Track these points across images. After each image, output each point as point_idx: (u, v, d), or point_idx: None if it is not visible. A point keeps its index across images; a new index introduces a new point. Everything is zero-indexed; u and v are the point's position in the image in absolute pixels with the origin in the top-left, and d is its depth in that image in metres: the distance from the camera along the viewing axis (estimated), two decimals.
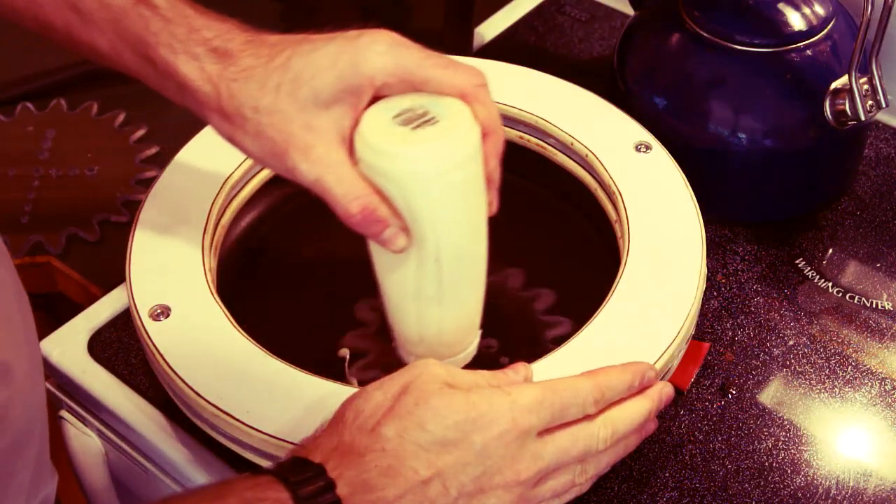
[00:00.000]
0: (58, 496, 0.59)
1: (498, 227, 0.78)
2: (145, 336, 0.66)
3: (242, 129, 0.59)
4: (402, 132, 0.56)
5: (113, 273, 0.82)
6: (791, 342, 0.76)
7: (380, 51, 0.57)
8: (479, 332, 0.66)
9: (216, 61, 0.60)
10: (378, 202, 0.57)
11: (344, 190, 0.57)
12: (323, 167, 0.58)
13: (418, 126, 0.56)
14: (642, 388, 0.62)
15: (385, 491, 0.53)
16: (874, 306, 0.78)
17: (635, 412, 0.61)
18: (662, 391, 0.62)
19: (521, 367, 0.62)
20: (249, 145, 0.60)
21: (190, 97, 0.61)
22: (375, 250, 0.61)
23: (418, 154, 0.56)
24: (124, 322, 0.76)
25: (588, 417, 0.59)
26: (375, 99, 0.59)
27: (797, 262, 0.81)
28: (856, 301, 0.78)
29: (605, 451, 0.60)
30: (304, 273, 0.76)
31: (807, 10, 0.80)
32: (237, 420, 0.62)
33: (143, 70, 0.62)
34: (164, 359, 0.65)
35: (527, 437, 0.56)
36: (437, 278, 0.59)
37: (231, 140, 0.61)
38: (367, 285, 0.75)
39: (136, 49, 0.61)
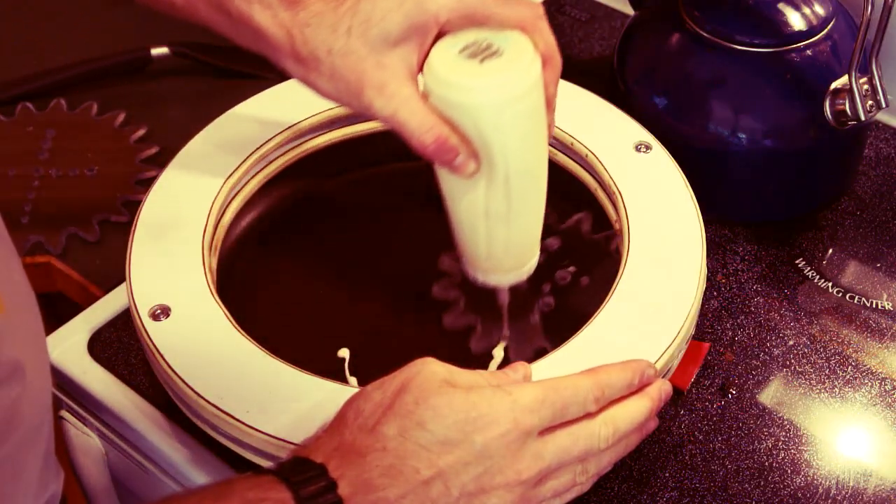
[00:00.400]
0: (63, 494, 0.59)
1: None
2: (145, 336, 0.66)
3: (317, 70, 0.62)
4: (470, 65, 0.60)
5: (113, 273, 0.82)
6: (791, 342, 0.76)
7: None
8: (538, 248, 0.70)
9: (287, 8, 0.62)
10: (449, 132, 0.61)
11: (418, 122, 0.61)
12: (397, 102, 0.61)
13: (485, 59, 0.60)
14: (642, 386, 0.62)
15: (387, 491, 0.53)
16: (874, 306, 0.78)
17: (636, 411, 0.61)
18: (661, 389, 0.63)
19: (519, 367, 0.62)
20: (324, 85, 0.63)
21: (265, 44, 0.64)
22: (445, 176, 0.65)
23: (487, 85, 0.59)
24: (124, 322, 0.76)
25: (589, 415, 0.59)
26: (441, 35, 0.62)
27: (797, 262, 0.81)
28: (856, 301, 0.78)
29: (607, 451, 0.60)
30: (304, 273, 0.76)
31: (807, 10, 0.80)
32: (237, 420, 0.62)
33: (217, 19, 0.65)
34: (163, 359, 0.65)
35: (528, 436, 0.56)
36: (507, 197, 0.63)
37: (306, 82, 0.64)
38: (366, 285, 0.76)
39: (210, 0, 0.65)
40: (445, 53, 0.61)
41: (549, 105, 0.64)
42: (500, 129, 0.61)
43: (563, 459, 0.58)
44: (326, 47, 0.61)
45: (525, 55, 0.60)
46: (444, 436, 0.55)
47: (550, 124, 0.65)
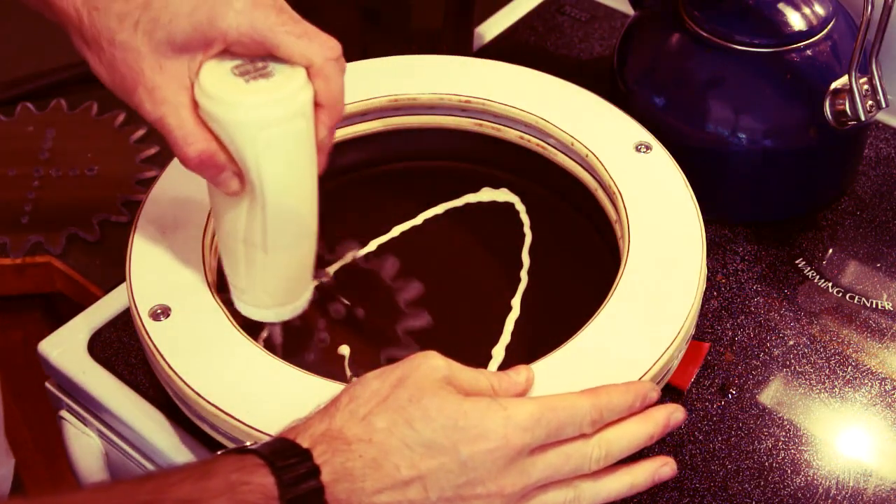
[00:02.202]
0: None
1: (498, 227, 0.78)
2: (145, 336, 0.66)
3: (98, 56, 0.61)
4: (236, 82, 0.59)
5: (113, 273, 0.82)
6: (791, 342, 0.76)
7: (238, 9, 0.58)
8: (310, 289, 0.68)
9: None
10: (215, 148, 0.59)
11: (184, 134, 0.59)
12: (166, 109, 0.59)
13: (252, 78, 0.59)
14: (644, 407, 0.60)
15: (365, 483, 0.53)
16: (874, 306, 0.78)
17: (633, 435, 0.59)
18: (672, 415, 0.61)
19: (522, 369, 0.61)
20: (102, 74, 0.61)
21: (59, 17, 0.62)
22: (212, 192, 0.64)
23: (243, 104, 0.58)
24: (124, 322, 0.76)
25: (584, 436, 0.58)
26: (226, 53, 0.61)
27: (797, 262, 0.81)
28: (856, 301, 0.78)
29: (604, 481, 0.59)
30: None
31: (807, 10, 0.80)
32: (237, 420, 0.62)
33: None
34: (164, 359, 0.65)
35: (518, 454, 0.55)
36: (263, 226, 0.62)
37: (87, 62, 0.62)
38: (367, 286, 0.76)
39: None
40: (216, 67, 0.59)
41: (321, 148, 0.62)
42: (254, 152, 0.59)
43: (551, 477, 0.57)
44: (110, 36, 0.59)
45: (293, 82, 0.59)
46: (430, 439, 0.54)
47: (320, 164, 0.63)
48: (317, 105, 0.60)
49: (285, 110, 0.59)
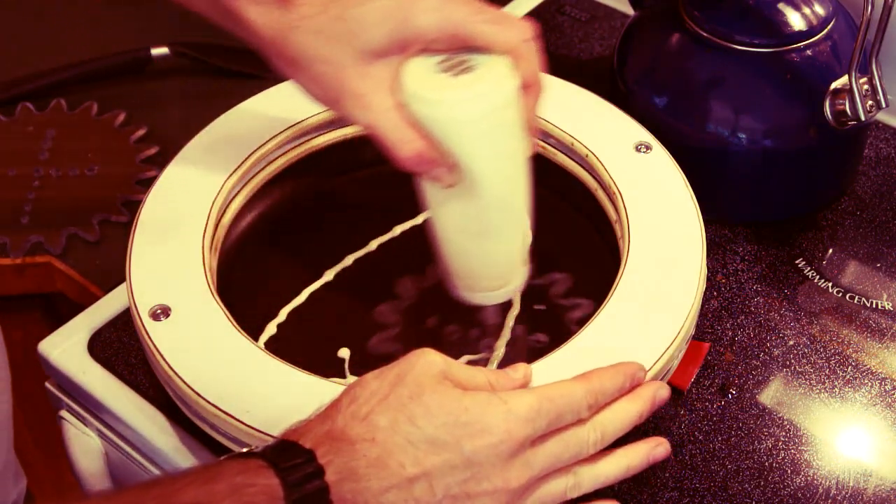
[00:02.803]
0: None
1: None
2: (145, 336, 0.66)
3: (301, 73, 0.63)
4: (442, 79, 0.60)
5: (113, 273, 0.82)
6: (791, 342, 0.76)
7: (430, 7, 0.60)
8: (525, 270, 0.69)
9: (278, 7, 0.62)
10: (426, 146, 0.61)
11: (396, 136, 0.61)
12: (375, 114, 0.61)
13: (458, 73, 0.60)
14: (633, 387, 0.61)
15: (370, 482, 0.53)
16: (874, 306, 0.78)
17: (625, 415, 0.60)
18: (657, 393, 0.62)
19: (520, 367, 0.61)
20: (309, 89, 0.64)
21: (254, 40, 0.64)
22: (427, 187, 0.64)
23: (454, 100, 0.59)
24: (124, 322, 0.76)
25: (580, 421, 0.58)
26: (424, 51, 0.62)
27: (797, 262, 0.81)
28: (856, 301, 0.78)
29: (601, 466, 0.59)
30: (304, 273, 0.76)
31: (807, 10, 0.80)
32: (237, 420, 0.62)
33: (210, 12, 0.66)
34: (164, 359, 0.65)
35: (521, 447, 0.56)
36: (480, 214, 0.63)
37: (293, 79, 0.65)
38: (367, 285, 0.76)
39: None
40: (419, 66, 0.60)
41: (529, 128, 0.63)
42: (467, 145, 0.60)
43: (553, 466, 0.57)
44: (311, 53, 0.62)
45: (499, 73, 0.59)
46: (433, 435, 0.54)
47: (530, 146, 0.64)
48: (522, 86, 0.61)
49: (495, 101, 0.59)
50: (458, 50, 0.60)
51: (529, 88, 0.61)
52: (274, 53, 0.63)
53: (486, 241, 0.65)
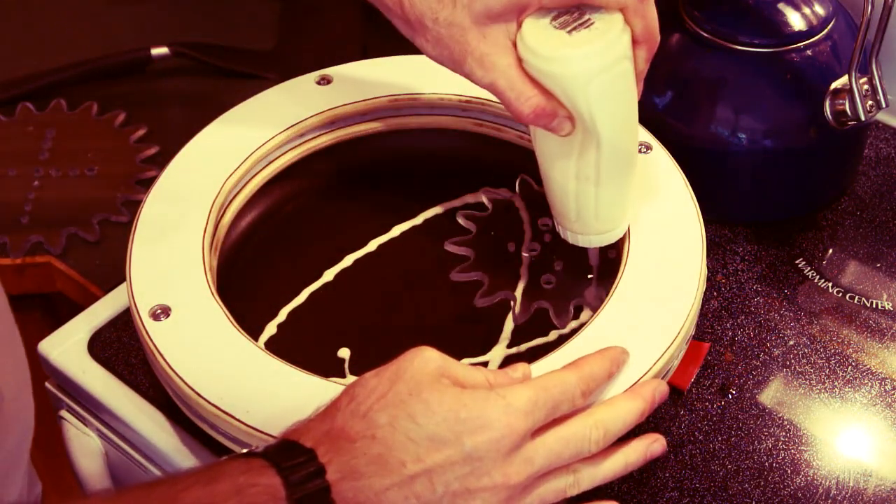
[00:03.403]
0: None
1: (497, 228, 0.78)
2: (145, 336, 0.66)
3: (423, 36, 0.65)
4: (559, 35, 0.62)
5: (113, 273, 0.82)
6: (791, 342, 0.76)
7: None
8: (630, 212, 0.71)
9: None
10: (545, 100, 0.63)
11: (515, 93, 0.64)
12: (496, 73, 0.64)
13: (573, 29, 0.62)
14: (618, 369, 0.62)
15: (372, 480, 0.53)
16: (874, 306, 0.78)
17: (626, 413, 0.60)
18: (657, 390, 0.62)
19: (520, 367, 0.61)
20: (430, 51, 0.66)
21: (379, 6, 0.67)
22: (541, 137, 0.68)
23: (573, 56, 0.62)
24: (124, 322, 0.76)
25: (578, 413, 0.59)
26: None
27: (797, 262, 0.81)
28: (856, 301, 0.78)
29: (601, 464, 0.60)
30: (304, 273, 0.76)
31: (807, 10, 0.80)
32: (237, 420, 0.62)
33: None
34: (164, 359, 0.65)
35: (522, 440, 0.56)
36: (597, 162, 0.66)
37: (413, 42, 0.67)
38: (368, 285, 0.76)
39: None
40: (536, 24, 0.63)
41: (639, 80, 0.66)
42: (586, 99, 0.63)
43: (554, 463, 0.57)
44: (433, 15, 0.64)
45: (613, 29, 0.62)
46: (434, 432, 0.54)
47: (639, 92, 0.67)
48: (634, 42, 0.64)
49: (611, 57, 0.63)
50: (573, 7, 0.63)
51: (642, 43, 0.64)
52: (395, 15, 0.66)
53: (600, 186, 0.67)
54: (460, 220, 0.77)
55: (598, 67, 0.62)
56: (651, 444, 0.62)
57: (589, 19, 0.63)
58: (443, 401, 0.55)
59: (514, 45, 0.64)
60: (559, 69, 0.62)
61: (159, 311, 0.67)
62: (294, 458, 0.53)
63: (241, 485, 0.51)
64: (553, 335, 0.72)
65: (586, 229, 0.71)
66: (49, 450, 1.03)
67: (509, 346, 0.72)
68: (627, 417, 0.60)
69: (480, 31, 0.64)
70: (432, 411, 0.55)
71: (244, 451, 0.55)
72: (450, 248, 0.76)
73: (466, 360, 0.71)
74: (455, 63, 0.65)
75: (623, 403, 0.61)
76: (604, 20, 0.63)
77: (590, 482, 0.60)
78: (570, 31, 0.62)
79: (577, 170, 0.67)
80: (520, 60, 0.64)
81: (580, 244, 0.72)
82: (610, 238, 0.71)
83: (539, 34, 0.63)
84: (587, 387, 0.59)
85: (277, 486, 0.52)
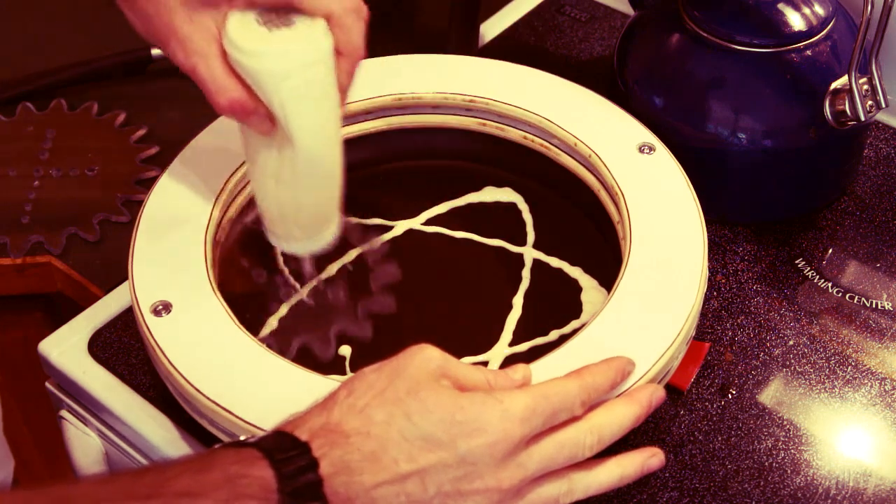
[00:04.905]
0: None
1: (499, 228, 0.78)
2: (146, 332, 0.66)
3: (133, 11, 0.65)
4: (260, 31, 0.63)
5: (113, 273, 0.82)
6: (791, 342, 0.76)
7: None
8: (336, 222, 0.71)
9: None
10: (244, 96, 0.63)
11: (215, 83, 0.63)
12: (197, 59, 0.63)
13: (275, 27, 0.63)
14: (623, 380, 0.61)
15: (363, 476, 0.53)
16: (874, 306, 0.78)
17: (621, 418, 0.60)
18: (653, 395, 0.62)
19: (520, 368, 0.61)
20: (136, 25, 0.66)
21: None
22: (244, 132, 0.68)
23: (267, 52, 0.62)
24: (124, 322, 0.76)
25: (575, 419, 0.58)
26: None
27: (797, 262, 0.81)
28: (856, 301, 0.78)
29: (595, 473, 0.59)
30: (305, 270, 0.76)
31: (807, 10, 0.80)
32: (236, 416, 0.62)
33: None
34: (164, 354, 0.65)
35: (516, 447, 0.56)
36: (292, 164, 0.66)
37: (126, 15, 0.66)
38: (369, 284, 0.76)
39: None
40: (242, 18, 0.63)
41: (342, 92, 0.65)
42: (279, 97, 0.63)
43: (547, 468, 0.57)
44: None
45: (313, 33, 0.62)
46: (429, 432, 0.54)
47: (341, 107, 0.66)
48: (337, 52, 0.64)
49: (306, 58, 0.62)
50: (281, 7, 0.63)
51: (344, 55, 0.64)
52: None
53: (296, 189, 0.67)
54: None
55: (291, 67, 0.62)
56: (649, 459, 0.61)
57: (292, 20, 0.63)
58: (440, 401, 0.55)
59: (220, 36, 0.64)
60: (254, 64, 0.62)
61: (160, 307, 0.67)
62: (288, 450, 0.53)
63: (232, 475, 0.51)
64: (554, 335, 0.72)
65: (286, 234, 0.71)
66: (49, 450, 1.03)
67: (510, 346, 0.72)
68: (623, 422, 0.60)
69: (187, 14, 0.63)
70: (429, 411, 0.55)
71: (239, 438, 0.55)
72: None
73: (466, 359, 0.71)
74: (160, 42, 0.64)
75: (619, 408, 0.60)
76: (306, 24, 0.63)
77: (584, 491, 0.59)
78: (270, 29, 0.62)
79: (276, 171, 0.67)
80: (224, 52, 0.63)
81: (284, 249, 0.72)
82: (310, 247, 0.71)
83: (241, 28, 0.63)
84: (588, 397, 0.59)
85: (269, 477, 0.51)
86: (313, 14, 0.63)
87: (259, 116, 0.64)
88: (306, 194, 0.68)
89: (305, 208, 0.69)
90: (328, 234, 0.71)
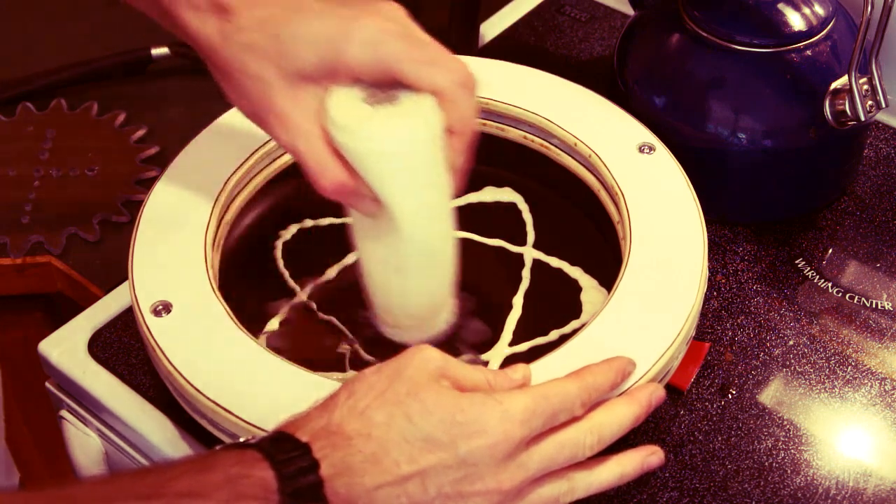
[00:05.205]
0: None
1: (499, 228, 0.78)
2: (146, 332, 0.66)
3: (230, 85, 0.62)
4: (363, 110, 0.59)
5: (113, 273, 0.82)
6: (791, 342, 0.76)
7: (364, 40, 0.58)
8: (449, 310, 0.68)
9: (215, 14, 0.61)
10: (348, 177, 0.60)
11: (316, 163, 0.60)
12: (298, 138, 0.60)
13: (380, 104, 0.59)
14: (623, 380, 0.61)
15: (365, 478, 0.53)
16: (874, 306, 0.78)
17: (621, 418, 0.60)
18: (653, 394, 0.62)
19: (520, 368, 0.61)
20: (236, 102, 0.63)
21: (192, 43, 0.63)
22: (353, 215, 0.64)
23: (372, 134, 0.58)
24: (125, 322, 0.77)
25: (575, 419, 0.59)
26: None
27: (797, 262, 0.81)
28: (856, 301, 0.78)
29: (595, 472, 0.59)
30: (306, 270, 0.76)
31: (807, 10, 0.80)
32: (236, 416, 0.62)
33: (152, 12, 0.65)
34: (164, 354, 0.65)
35: (517, 448, 0.56)
36: (398, 250, 0.62)
37: (222, 89, 0.64)
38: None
39: None
40: (345, 95, 0.59)
41: (453, 170, 0.61)
42: (383, 179, 0.59)
43: (548, 468, 0.57)
44: (241, 66, 0.61)
45: (421, 111, 0.58)
46: (429, 433, 0.54)
47: (454, 187, 0.62)
48: (448, 130, 0.60)
49: (414, 139, 0.58)
50: (386, 83, 0.59)
51: (455, 133, 0.60)
52: (207, 58, 0.63)
53: (405, 277, 0.63)
54: None
55: (394, 149, 0.58)
56: (648, 457, 0.61)
57: (397, 97, 0.59)
58: (440, 403, 0.55)
59: (320, 112, 0.60)
60: (356, 144, 0.58)
61: (160, 307, 0.67)
62: (288, 451, 0.53)
63: (233, 476, 0.51)
64: (554, 335, 0.72)
65: (397, 322, 0.67)
66: (49, 450, 1.03)
67: (510, 346, 0.72)
68: (623, 422, 0.60)
69: (287, 91, 0.60)
70: (429, 412, 0.55)
71: (240, 440, 0.55)
72: None
73: (465, 357, 0.71)
74: (258, 118, 0.62)
75: (619, 408, 0.60)
76: (413, 100, 0.58)
77: (585, 490, 0.59)
78: (374, 106, 0.59)
79: (382, 255, 0.63)
80: (326, 130, 0.60)
81: (393, 338, 0.68)
82: (419, 335, 0.67)
83: (344, 106, 0.59)
84: (588, 398, 0.59)
85: (270, 478, 0.51)
86: (420, 89, 0.59)
87: (364, 198, 0.60)
88: (415, 282, 0.64)
89: (414, 296, 0.65)
90: (440, 322, 0.67)
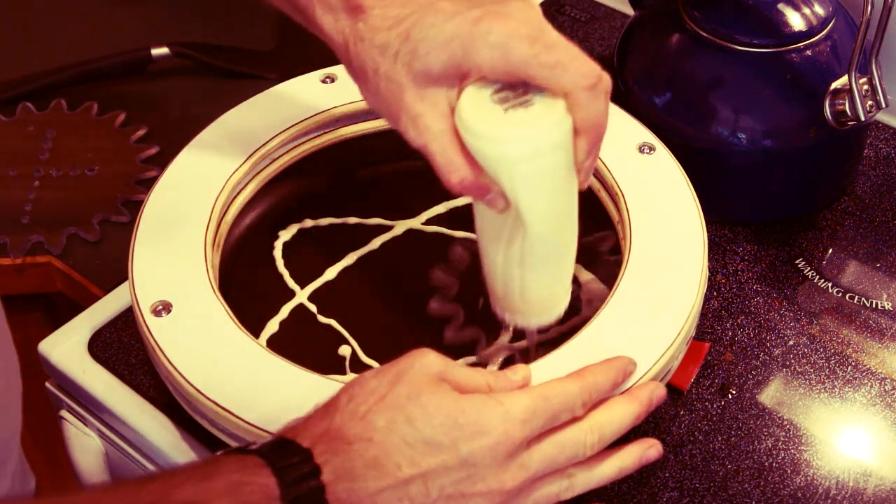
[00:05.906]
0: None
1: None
2: (146, 332, 0.66)
3: (364, 84, 0.63)
4: (494, 112, 0.59)
5: (113, 273, 0.82)
6: (791, 342, 0.76)
7: (491, 42, 0.58)
8: (565, 301, 0.68)
9: (348, 15, 0.62)
10: (475, 174, 0.60)
11: (445, 161, 0.60)
12: (428, 136, 0.60)
13: (511, 107, 0.59)
14: (624, 380, 0.61)
15: (367, 482, 0.53)
16: (874, 306, 0.78)
17: (622, 416, 0.60)
18: (654, 393, 0.62)
19: (520, 369, 0.61)
20: (369, 100, 0.64)
21: (328, 43, 0.64)
22: (477, 208, 0.64)
23: (501, 137, 0.58)
24: (125, 322, 0.76)
25: (576, 419, 0.59)
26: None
27: (797, 262, 0.81)
28: (856, 301, 0.78)
29: (594, 468, 0.60)
30: (306, 270, 0.76)
31: (807, 10, 0.80)
32: (236, 416, 0.62)
33: (287, 9, 0.66)
34: (164, 355, 0.65)
35: (518, 448, 0.56)
36: (522, 245, 0.63)
37: (357, 85, 0.64)
38: (369, 283, 0.76)
39: None
40: (476, 94, 0.60)
41: (580, 170, 0.61)
42: (513, 183, 0.60)
43: (549, 468, 0.58)
44: (374, 65, 0.61)
45: (551, 114, 0.58)
46: (431, 436, 0.54)
47: (580, 184, 0.63)
48: (575, 131, 0.59)
49: (543, 144, 0.59)
50: (518, 83, 0.59)
51: (582, 133, 0.60)
52: (341, 57, 0.64)
53: (528, 271, 0.64)
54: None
55: (526, 154, 0.58)
56: (647, 450, 0.62)
57: (529, 99, 0.59)
58: (441, 405, 0.55)
59: (451, 111, 0.60)
60: (486, 148, 0.59)
61: (160, 307, 0.67)
62: (290, 457, 0.53)
63: (236, 483, 0.51)
64: (554, 334, 0.72)
65: (517, 310, 0.67)
66: (49, 450, 1.03)
67: (510, 343, 0.72)
68: (624, 421, 0.60)
69: (418, 91, 0.60)
70: (430, 416, 0.55)
71: (241, 446, 0.55)
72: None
73: (464, 360, 0.71)
74: (390, 117, 0.62)
75: (619, 407, 0.60)
76: (545, 103, 0.58)
77: (584, 486, 0.59)
78: (506, 109, 0.59)
79: (505, 249, 0.64)
80: (456, 128, 0.60)
81: (507, 321, 0.69)
82: (537, 322, 0.68)
83: (475, 107, 0.59)
84: (589, 397, 0.59)
85: (272, 485, 0.52)
86: (552, 90, 0.58)
87: (492, 196, 0.61)
88: (535, 276, 0.64)
89: (533, 290, 0.65)
90: (555, 312, 0.68)
